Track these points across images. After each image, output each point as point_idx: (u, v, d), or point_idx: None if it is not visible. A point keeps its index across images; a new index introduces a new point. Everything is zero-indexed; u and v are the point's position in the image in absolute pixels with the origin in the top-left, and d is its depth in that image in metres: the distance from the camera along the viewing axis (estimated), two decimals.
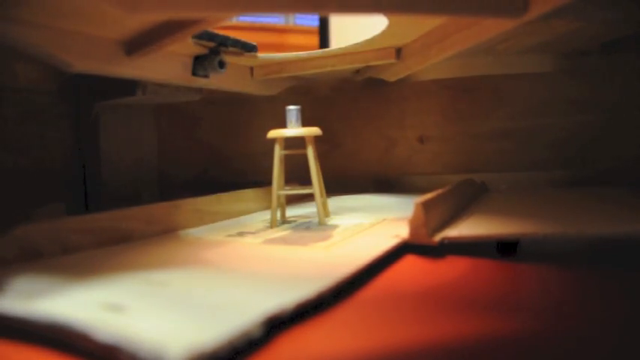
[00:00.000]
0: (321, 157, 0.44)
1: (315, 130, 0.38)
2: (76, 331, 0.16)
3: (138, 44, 0.33)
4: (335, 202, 0.51)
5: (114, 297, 0.19)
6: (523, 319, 0.19)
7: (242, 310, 0.17)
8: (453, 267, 0.27)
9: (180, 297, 0.20)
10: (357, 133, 0.62)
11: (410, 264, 0.28)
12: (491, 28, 0.32)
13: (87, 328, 0.15)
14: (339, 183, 0.62)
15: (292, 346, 0.17)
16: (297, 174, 0.49)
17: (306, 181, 0.40)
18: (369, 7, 0.24)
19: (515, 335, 0.17)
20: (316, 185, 0.38)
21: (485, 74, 0.56)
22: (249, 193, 0.46)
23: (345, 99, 0.63)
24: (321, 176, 0.40)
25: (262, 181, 0.55)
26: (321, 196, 0.40)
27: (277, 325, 0.18)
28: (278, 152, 0.38)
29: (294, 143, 0.41)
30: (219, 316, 0.17)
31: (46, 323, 0.17)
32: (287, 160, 0.40)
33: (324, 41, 0.89)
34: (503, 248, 0.29)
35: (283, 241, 0.32)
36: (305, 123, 0.39)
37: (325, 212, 0.41)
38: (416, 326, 0.19)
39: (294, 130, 0.38)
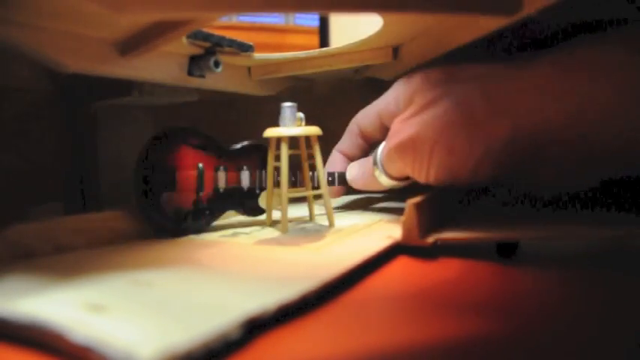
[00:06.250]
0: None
1: (317, 130, 0.37)
2: (51, 331, 0.16)
3: (132, 44, 0.33)
4: (333, 202, 0.51)
5: (97, 297, 0.19)
6: (516, 321, 0.19)
7: (222, 311, 0.17)
8: (445, 269, 0.26)
9: (163, 297, 0.20)
10: None
11: (402, 265, 0.28)
12: (487, 26, 0.32)
13: (62, 329, 0.15)
14: None
15: (272, 348, 0.17)
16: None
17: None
18: (357, 6, 0.24)
19: (506, 338, 0.17)
20: (324, 186, 0.37)
21: None
22: None
23: (346, 99, 0.62)
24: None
25: None
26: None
27: (258, 326, 0.17)
28: (285, 152, 0.36)
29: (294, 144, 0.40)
30: (198, 317, 0.17)
31: (25, 323, 0.17)
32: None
33: (324, 41, 0.88)
34: (502, 250, 0.29)
35: (276, 241, 0.32)
36: (306, 122, 0.39)
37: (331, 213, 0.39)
38: (401, 328, 0.18)
39: (297, 129, 0.36)
